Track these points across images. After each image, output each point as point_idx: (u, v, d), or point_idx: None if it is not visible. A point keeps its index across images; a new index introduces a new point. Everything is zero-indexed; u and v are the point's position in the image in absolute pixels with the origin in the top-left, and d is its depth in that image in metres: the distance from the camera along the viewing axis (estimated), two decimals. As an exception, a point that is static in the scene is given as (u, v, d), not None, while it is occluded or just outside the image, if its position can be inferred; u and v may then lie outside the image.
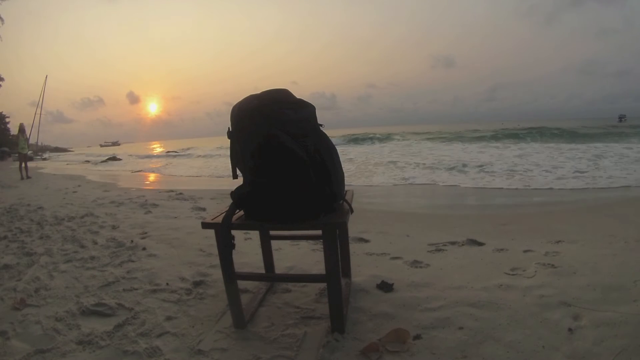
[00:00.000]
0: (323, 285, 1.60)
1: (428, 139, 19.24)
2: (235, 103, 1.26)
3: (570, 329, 1.25)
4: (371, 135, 22.06)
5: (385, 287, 1.64)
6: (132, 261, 2.16)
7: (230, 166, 1.32)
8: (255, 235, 2.48)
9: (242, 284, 1.60)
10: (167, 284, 1.80)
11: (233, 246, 1.28)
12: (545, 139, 15.77)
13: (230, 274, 1.33)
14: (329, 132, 1.30)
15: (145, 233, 2.82)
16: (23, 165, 9.45)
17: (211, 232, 1.31)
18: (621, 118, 49.45)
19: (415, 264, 1.97)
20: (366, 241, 2.50)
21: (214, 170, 10.69)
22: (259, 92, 1.25)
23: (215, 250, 1.49)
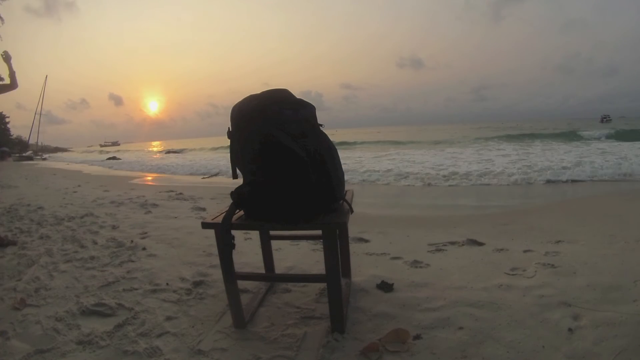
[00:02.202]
0: (323, 285, 1.60)
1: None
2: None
3: (570, 329, 1.25)
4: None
5: (385, 287, 1.64)
6: (132, 261, 2.16)
7: (230, 166, 1.32)
8: (255, 235, 2.48)
9: (242, 284, 1.60)
10: (167, 284, 1.80)
11: (233, 246, 1.28)
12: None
13: (230, 274, 1.33)
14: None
15: (145, 233, 2.82)
16: None
17: (211, 232, 1.31)
18: (604, 119, 46.93)
19: (415, 264, 1.97)
20: (366, 241, 2.50)
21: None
22: (258, 92, 1.25)
23: (215, 250, 1.49)
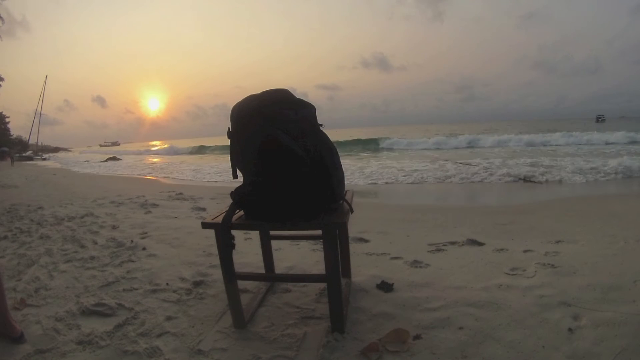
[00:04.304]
0: (323, 285, 1.60)
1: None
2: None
3: (570, 329, 1.25)
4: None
5: (385, 287, 1.64)
6: (132, 261, 2.16)
7: (230, 166, 1.32)
8: (255, 235, 2.48)
9: (242, 284, 1.60)
10: (167, 284, 1.80)
11: (233, 246, 1.28)
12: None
13: (230, 274, 1.33)
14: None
15: (145, 233, 2.82)
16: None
17: (211, 232, 1.31)
18: (599, 118, 48.67)
19: (415, 264, 1.97)
20: (366, 241, 2.50)
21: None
22: (258, 92, 1.25)
23: (215, 250, 1.49)
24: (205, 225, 1.31)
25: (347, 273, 1.70)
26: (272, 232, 1.77)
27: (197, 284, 1.79)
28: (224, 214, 1.29)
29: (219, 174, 9.17)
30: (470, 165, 7.96)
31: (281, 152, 1.15)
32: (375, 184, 6.60)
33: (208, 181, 8.33)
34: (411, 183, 6.49)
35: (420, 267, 1.93)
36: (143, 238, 2.67)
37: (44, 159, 28.55)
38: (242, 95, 1.26)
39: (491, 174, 6.57)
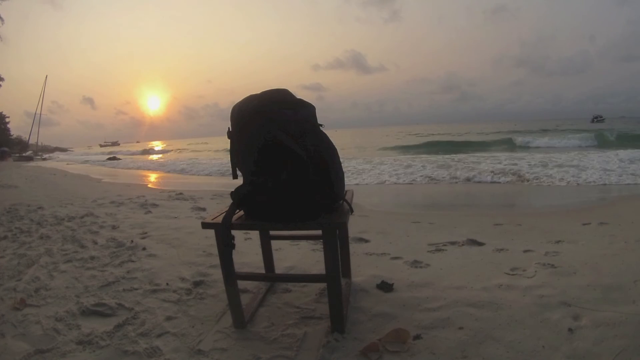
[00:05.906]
0: (323, 285, 1.60)
1: None
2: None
3: (570, 329, 1.25)
4: None
5: (385, 287, 1.64)
6: (132, 261, 2.16)
7: (230, 166, 1.32)
8: (255, 235, 2.48)
9: (242, 284, 1.60)
10: (167, 284, 1.80)
11: (233, 246, 1.28)
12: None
13: (230, 274, 1.33)
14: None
15: (145, 233, 2.82)
16: None
17: (211, 232, 1.31)
18: (595, 119, 47.37)
19: (415, 264, 1.97)
20: (366, 241, 2.50)
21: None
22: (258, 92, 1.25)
23: (215, 250, 1.49)
24: (205, 225, 1.31)
25: (347, 273, 1.70)
26: (272, 232, 1.77)
27: (197, 284, 1.79)
28: (224, 214, 1.29)
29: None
30: None
31: (281, 152, 1.15)
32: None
33: (208, 181, 8.33)
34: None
35: (420, 267, 1.93)
36: (143, 238, 2.67)
37: (44, 159, 28.59)
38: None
39: None
